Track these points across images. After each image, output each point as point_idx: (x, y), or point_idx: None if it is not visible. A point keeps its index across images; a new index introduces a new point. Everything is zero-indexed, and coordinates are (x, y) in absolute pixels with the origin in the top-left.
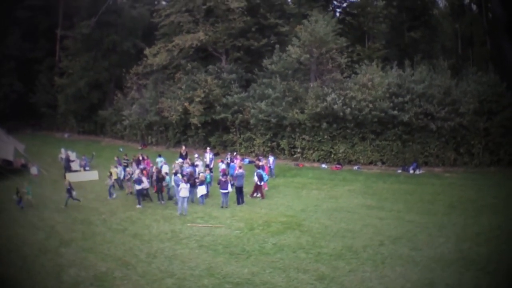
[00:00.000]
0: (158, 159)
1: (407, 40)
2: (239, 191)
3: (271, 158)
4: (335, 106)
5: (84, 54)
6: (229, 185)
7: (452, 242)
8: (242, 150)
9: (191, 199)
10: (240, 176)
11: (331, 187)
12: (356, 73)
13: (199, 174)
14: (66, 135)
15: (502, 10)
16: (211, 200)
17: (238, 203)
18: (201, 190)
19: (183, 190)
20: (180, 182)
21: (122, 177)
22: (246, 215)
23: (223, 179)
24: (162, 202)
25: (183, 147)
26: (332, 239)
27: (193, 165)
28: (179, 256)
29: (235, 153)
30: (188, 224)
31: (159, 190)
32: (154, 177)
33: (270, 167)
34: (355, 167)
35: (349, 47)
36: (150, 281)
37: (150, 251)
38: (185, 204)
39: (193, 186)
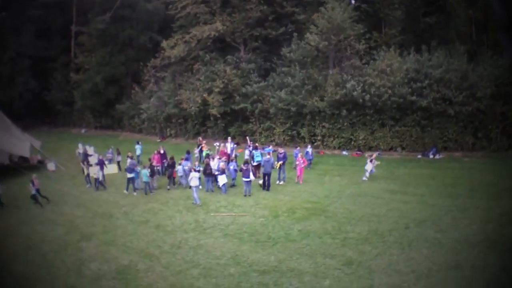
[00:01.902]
0: (137, 146)
1: (423, 26)
2: (267, 176)
3: (309, 150)
4: (355, 93)
5: (100, 50)
6: (251, 173)
7: (476, 224)
8: (262, 140)
9: (210, 188)
10: (268, 163)
11: (353, 173)
12: (374, 60)
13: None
14: (83, 131)
15: (502, 10)
16: (234, 189)
17: (264, 188)
18: (222, 179)
19: (194, 179)
20: (191, 171)
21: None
22: (270, 202)
23: (245, 167)
24: (174, 186)
25: (200, 138)
26: (358, 223)
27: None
28: (204, 245)
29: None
30: (212, 214)
31: (171, 176)
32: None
33: (310, 159)
34: (376, 153)
35: (366, 34)
36: (174, 272)
37: (174, 242)
38: (194, 193)
39: (210, 176)
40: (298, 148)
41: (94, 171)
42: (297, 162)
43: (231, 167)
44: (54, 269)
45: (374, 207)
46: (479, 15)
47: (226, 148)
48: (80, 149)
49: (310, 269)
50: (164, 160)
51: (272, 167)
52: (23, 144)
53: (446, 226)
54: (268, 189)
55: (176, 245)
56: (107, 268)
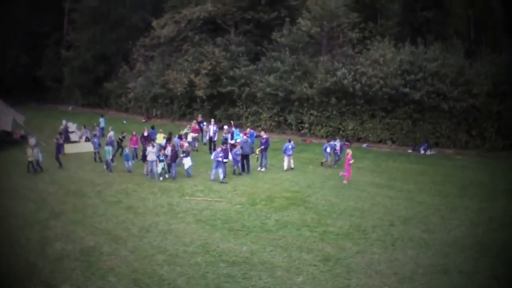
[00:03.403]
0: (101, 119)
1: (420, 20)
2: (245, 158)
3: (338, 144)
4: (345, 81)
5: (91, 27)
6: (229, 154)
7: (465, 226)
8: (248, 124)
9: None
10: (245, 143)
11: (339, 164)
12: (367, 49)
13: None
14: (70, 108)
15: (502, 9)
16: (210, 172)
17: (243, 170)
18: (187, 162)
19: (150, 154)
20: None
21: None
22: (249, 189)
23: (224, 147)
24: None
25: (199, 116)
26: (339, 217)
27: (179, 137)
28: (174, 231)
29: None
30: (187, 198)
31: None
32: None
33: (337, 153)
34: (364, 145)
35: (360, 23)
36: (139, 257)
37: (143, 225)
38: (154, 168)
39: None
40: (337, 141)
41: (30, 153)
42: (349, 161)
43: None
44: (17, 246)
45: (358, 200)
46: (478, 14)
47: (210, 131)
48: (63, 125)
49: (283, 263)
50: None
51: (252, 152)
52: (6, 118)
53: (434, 226)
54: (248, 171)
55: (145, 229)
56: (71, 248)
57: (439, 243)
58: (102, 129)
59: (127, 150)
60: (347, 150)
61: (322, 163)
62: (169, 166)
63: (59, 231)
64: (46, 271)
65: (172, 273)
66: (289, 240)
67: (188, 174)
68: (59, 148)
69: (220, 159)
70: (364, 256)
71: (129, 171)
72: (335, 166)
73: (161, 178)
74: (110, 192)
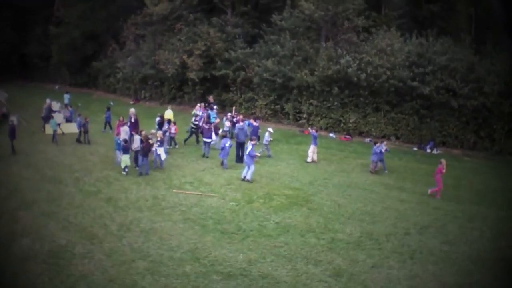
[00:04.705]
0: (65, 95)
1: (424, 13)
2: (240, 146)
3: (383, 146)
4: (349, 70)
5: (81, 3)
6: (213, 134)
7: (487, 237)
8: (243, 111)
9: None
10: (241, 130)
11: (341, 159)
12: (372, 38)
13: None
14: (56, 87)
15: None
16: (202, 162)
17: (237, 161)
18: (162, 152)
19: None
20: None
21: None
22: (244, 184)
23: (207, 127)
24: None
25: (211, 97)
26: (348, 221)
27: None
28: (158, 230)
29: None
30: (174, 190)
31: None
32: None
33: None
34: (367, 140)
35: (365, 11)
36: (117, 263)
37: (124, 221)
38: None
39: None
40: (384, 143)
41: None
42: (442, 170)
43: (227, 144)
44: None
45: (367, 203)
46: (481, 12)
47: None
48: (47, 104)
49: (288, 278)
50: (134, 132)
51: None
52: None
53: (453, 237)
54: (241, 161)
55: (126, 226)
56: (39, 247)
57: (461, 258)
58: (66, 105)
59: (119, 139)
60: (441, 159)
61: (371, 171)
62: (136, 159)
63: (28, 225)
64: (8, 274)
65: (155, 286)
66: (292, 249)
67: (160, 165)
68: (13, 131)
69: (156, 144)
70: (380, 271)
71: (119, 164)
72: (386, 171)
73: (124, 173)
74: (89, 180)
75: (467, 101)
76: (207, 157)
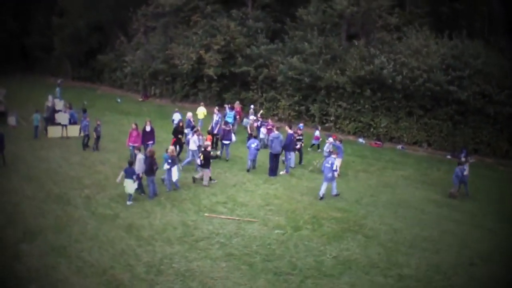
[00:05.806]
0: (57, 89)
1: (448, 11)
2: (275, 158)
3: (466, 169)
4: (385, 71)
5: None
6: (233, 135)
7: None
8: (263, 112)
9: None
10: (277, 139)
11: (380, 170)
12: (400, 38)
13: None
14: (58, 81)
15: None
16: (231, 175)
17: (271, 174)
18: (175, 173)
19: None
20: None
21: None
22: (285, 203)
23: (227, 128)
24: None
25: (237, 102)
26: (410, 251)
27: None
28: (197, 272)
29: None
30: (206, 215)
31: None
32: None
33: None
34: (398, 146)
35: (394, 8)
36: None
37: (152, 260)
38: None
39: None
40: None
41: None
42: None
43: (253, 145)
44: None
45: (423, 226)
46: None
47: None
48: (50, 102)
49: None
50: (151, 142)
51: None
52: None
53: None
54: (273, 175)
55: (156, 267)
56: None
57: None
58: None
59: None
60: None
61: (451, 194)
62: (140, 182)
63: (34, 266)
64: None
65: None
66: None
67: (176, 186)
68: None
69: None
70: None
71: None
72: (467, 195)
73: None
74: (102, 200)
75: (502, 108)
76: (226, 160)
